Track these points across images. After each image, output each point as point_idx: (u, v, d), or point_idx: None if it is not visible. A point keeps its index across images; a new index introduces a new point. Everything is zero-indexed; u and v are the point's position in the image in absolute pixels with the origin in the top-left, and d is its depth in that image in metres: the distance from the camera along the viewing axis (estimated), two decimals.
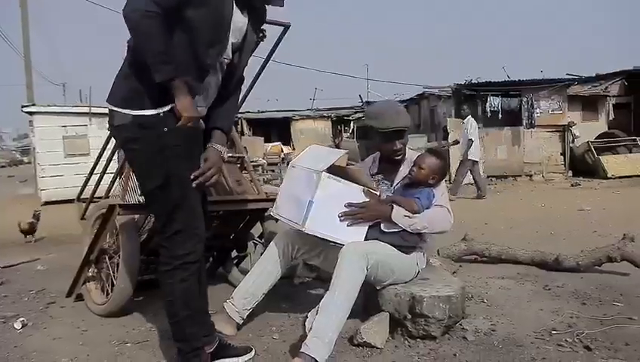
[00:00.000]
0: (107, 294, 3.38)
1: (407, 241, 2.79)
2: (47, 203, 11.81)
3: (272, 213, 2.96)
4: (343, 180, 2.69)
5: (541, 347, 2.63)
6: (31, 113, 13.89)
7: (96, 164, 3.95)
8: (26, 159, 37.88)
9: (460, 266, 4.38)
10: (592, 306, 3.27)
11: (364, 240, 2.71)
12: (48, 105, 14.18)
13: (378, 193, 2.81)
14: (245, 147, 4.12)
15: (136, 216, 3.33)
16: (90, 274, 3.54)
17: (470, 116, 10.54)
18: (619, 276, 3.93)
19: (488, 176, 14.52)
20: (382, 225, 2.75)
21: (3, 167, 38.02)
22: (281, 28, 3.30)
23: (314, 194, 2.58)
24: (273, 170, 16.79)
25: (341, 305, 2.47)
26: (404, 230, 2.75)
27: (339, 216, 2.66)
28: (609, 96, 16.70)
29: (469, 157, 10.16)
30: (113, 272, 3.32)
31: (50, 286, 4.17)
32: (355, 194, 2.71)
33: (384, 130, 2.88)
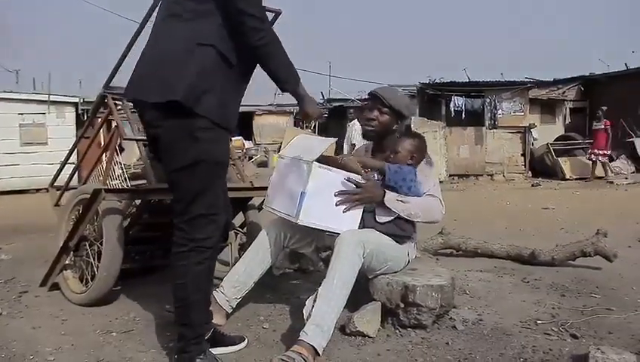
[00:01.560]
0: (87, 283, 3.27)
1: (403, 231, 2.80)
2: (2, 193, 11.38)
3: (264, 207, 2.91)
4: (334, 169, 2.67)
5: (529, 336, 2.68)
6: None
7: (72, 150, 3.83)
8: None
9: (437, 259, 4.43)
10: (571, 298, 3.36)
11: (359, 228, 2.70)
12: (4, 92, 13.67)
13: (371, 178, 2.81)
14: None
15: (120, 202, 3.23)
16: (68, 261, 3.43)
17: (356, 120, 10.72)
18: (592, 270, 4.05)
19: (450, 175, 14.84)
20: (376, 214, 2.75)
21: None
22: (272, 15, 3.30)
23: (306, 186, 2.55)
24: (234, 165, 16.61)
25: (340, 292, 2.46)
26: (398, 218, 2.75)
27: (335, 203, 2.64)
28: (566, 100, 17.25)
29: None
30: (94, 260, 3.22)
31: (19, 275, 4.02)
32: (347, 181, 2.70)
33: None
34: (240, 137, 23.99)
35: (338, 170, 2.69)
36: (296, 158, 2.67)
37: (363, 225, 2.72)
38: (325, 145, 2.71)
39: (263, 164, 18.97)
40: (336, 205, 2.65)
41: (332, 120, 26.60)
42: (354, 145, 10.16)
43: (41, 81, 17.44)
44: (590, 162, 13.60)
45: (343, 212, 2.66)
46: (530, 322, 2.89)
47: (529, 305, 3.20)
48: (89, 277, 3.25)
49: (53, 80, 14.65)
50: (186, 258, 2.19)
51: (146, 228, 3.55)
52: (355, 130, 10.30)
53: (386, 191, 2.74)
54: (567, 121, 17.14)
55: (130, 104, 3.00)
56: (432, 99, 16.29)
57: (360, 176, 2.73)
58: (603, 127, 13.50)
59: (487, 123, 15.41)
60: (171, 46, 2.12)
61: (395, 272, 2.87)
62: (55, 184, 4.17)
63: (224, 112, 2.17)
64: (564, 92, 17.25)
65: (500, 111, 15.40)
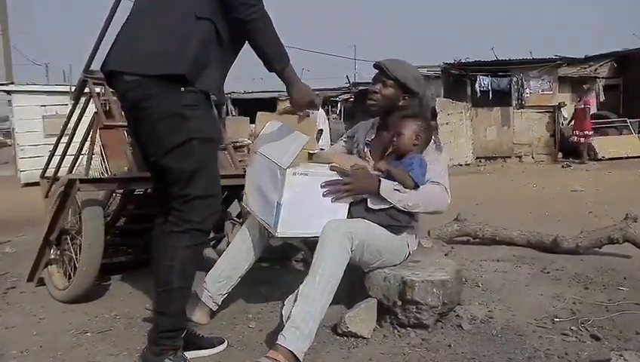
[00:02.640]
0: (70, 278, 3.09)
1: (398, 221, 2.50)
2: (27, 184, 11.41)
3: (243, 204, 2.66)
4: (311, 171, 2.37)
5: (544, 336, 2.39)
6: (9, 92, 13.43)
7: (59, 139, 3.64)
8: (9, 141, 37.11)
9: (452, 248, 4.13)
10: (595, 291, 3.04)
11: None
12: (27, 84, 13.72)
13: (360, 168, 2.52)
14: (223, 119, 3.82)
15: (101, 193, 3.03)
16: (53, 256, 3.25)
17: (320, 108, 10.45)
18: (621, 258, 3.70)
19: (477, 158, 14.37)
20: (368, 202, 2.47)
21: None
22: None
23: (281, 196, 2.31)
24: (225, 150, 16.43)
25: (323, 290, 2.19)
26: (392, 207, 2.47)
27: (323, 194, 2.37)
28: (599, 78, 16.57)
29: (320, 147, 10.07)
30: (76, 254, 3.03)
31: (13, 269, 3.86)
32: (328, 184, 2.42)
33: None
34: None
35: (317, 170, 2.41)
36: (270, 159, 2.42)
37: (351, 216, 2.45)
38: (300, 144, 2.39)
39: None
40: (324, 195, 2.38)
41: (358, 105, 26.29)
42: (321, 130, 9.99)
43: (68, 74, 17.50)
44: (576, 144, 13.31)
45: (331, 202, 2.39)
46: (547, 320, 2.59)
47: (547, 300, 2.90)
48: (72, 273, 3.06)
49: (78, 71, 14.67)
50: (177, 239, 2.05)
51: (136, 219, 3.35)
52: (320, 115, 10.23)
53: (382, 179, 2.46)
54: (601, 98, 16.44)
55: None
56: (457, 79, 15.78)
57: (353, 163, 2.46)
58: (583, 106, 12.91)
59: (514, 103, 14.83)
60: (169, 18, 2.02)
61: (395, 265, 2.60)
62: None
63: (221, 88, 2.15)
64: (596, 69, 16.58)
65: (527, 91, 14.78)
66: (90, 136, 3.10)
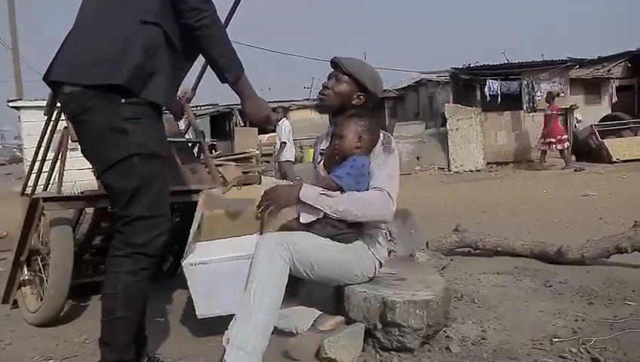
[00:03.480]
0: (41, 300, 2.94)
1: (340, 229, 2.27)
2: None
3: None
4: (213, 258, 2.24)
5: (539, 359, 2.18)
6: (18, 108, 13.48)
7: (35, 155, 3.51)
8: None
9: (451, 260, 3.92)
10: (600, 306, 2.82)
11: None
12: (35, 100, 13.76)
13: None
14: (202, 131, 3.68)
15: (71, 211, 2.89)
16: (27, 277, 3.11)
17: (285, 119, 10.40)
18: (630, 269, 3.46)
19: (488, 163, 14.07)
20: (300, 217, 2.27)
21: (3, 164, 37.76)
22: None
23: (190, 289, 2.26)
24: (268, 161, 16.35)
25: (260, 303, 1.99)
26: (326, 216, 2.24)
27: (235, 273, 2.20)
28: (612, 79, 16.28)
29: (283, 159, 10.15)
30: (47, 276, 2.88)
31: None
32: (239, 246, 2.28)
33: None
34: (275, 133, 23.81)
35: (220, 248, 2.30)
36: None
37: None
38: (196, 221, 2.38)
39: (298, 160, 18.81)
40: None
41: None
42: (284, 143, 9.95)
43: None
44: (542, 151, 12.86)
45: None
46: (545, 340, 2.37)
47: (547, 317, 2.68)
48: (43, 295, 2.91)
49: None
50: (119, 264, 1.90)
51: (111, 237, 3.20)
52: (283, 127, 10.16)
53: (304, 185, 2.27)
54: (614, 100, 16.10)
55: None
56: (467, 84, 15.57)
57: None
58: (550, 112, 12.51)
59: (525, 106, 14.53)
60: (112, 24, 1.87)
61: (370, 279, 2.42)
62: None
63: (170, 97, 2.03)
64: (609, 70, 16.29)
65: (538, 94, 14.47)
66: (61, 152, 2.95)
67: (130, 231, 1.89)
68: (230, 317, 2.08)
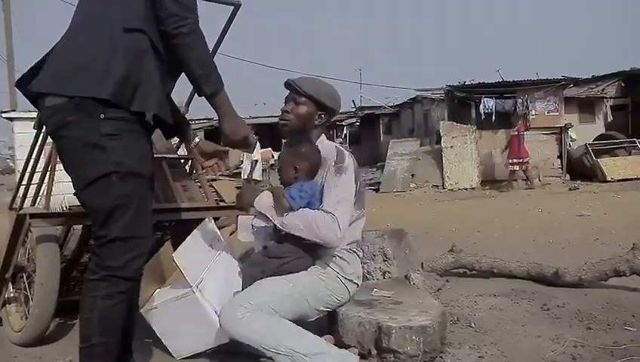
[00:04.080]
0: (26, 319, 2.86)
1: (287, 256, 2.26)
2: None
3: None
4: (161, 301, 2.42)
5: None
6: (11, 119, 13.41)
7: (25, 168, 3.42)
8: None
9: (447, 281, 3.86)
10: (599, 331, 2.75)
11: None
12: (29, 111, 13.69)
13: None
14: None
15: (58, 228, 2.81)
16: (13, 294, 3.03)
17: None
18: (629, 292, 3.40)
19: (482, 181, 14.05)
20: (252, 221, 2.38)
21: None
22: (231, 7, 2.93)
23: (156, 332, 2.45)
24: (260, 180, 16.31)
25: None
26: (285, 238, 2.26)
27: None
28: (606, 98, 16.34)
29: (253, 177, 10.39)
30: (32, 294, 2.80)
31: None
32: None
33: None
34: (269, 148, 23.77)
35: (171, 292, 2.47)
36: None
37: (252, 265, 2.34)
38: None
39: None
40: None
41: (364, 129, 26.14)
42: (256, 161, 9.97)
43: None
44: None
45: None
46: None
47: (545, 343, 2.62)
48: (28, 314, 2.83)
49: None
50: (95, 288, 1.82)
51: None
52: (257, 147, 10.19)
53: (262, 193, 2.29)
54: (609, 119, 16.17)
55: None
56: (461, 102, 15.60)
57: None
58: (517, 133, 12.57)
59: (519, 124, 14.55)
60: (98, 30, 1.81)
61: (349, 300, 2.39)
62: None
63: (163, 105, 1.89)
64: (603, 89, 16.37)
65: (533, 112, 14.51)
66: (49, 165, 2.88)
67: (106, 253, 1.81)
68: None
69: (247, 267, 2.32)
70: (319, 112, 2.41)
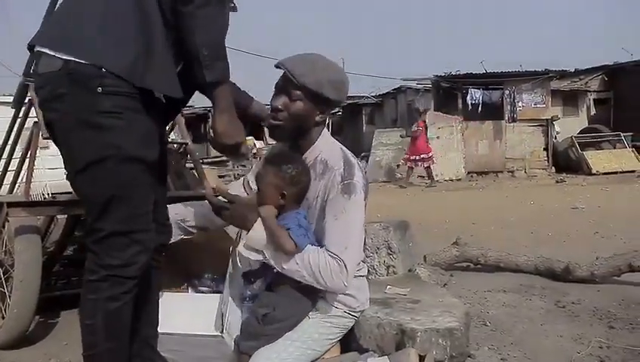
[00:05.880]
0: (3, 319, 2.61)
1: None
2: None
3: None
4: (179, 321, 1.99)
5: None
6: None
7: (1, 151, 3.16)
8: None
9: (452, 275, 3.69)
10: (622, 330, 2.61)
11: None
12: (3, 95, 13.23)
13: None
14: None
15: (39, 218, 2.56)
16: None
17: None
18: None
19: (469, 173, 13.97)
20: (240, 243, 1.86)
21: None
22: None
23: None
24: (244, 165, 16.01)
25: None
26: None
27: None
28: (589, 91, 16.38)
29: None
30: (10, 291, 2.54)
31: None
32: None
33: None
34: (251, 137, 23.43)
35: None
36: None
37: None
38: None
39: None
40: None
41: (346, 120, 25.93)
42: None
43: None
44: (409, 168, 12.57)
45: None
46: None
47: (568, 343, 2.46)
48: (5, 313, 2.58)
49: None
50: (95, 290, 1.58)
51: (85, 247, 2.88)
52: None
53: (256, 225, 1.78)
54: (592, 112, 16.22)
55: None
56: (448, 92, 15.45)
57: None
58: (416, 129, 12.35)
59: (506, 116, 14.46)
60: None
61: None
62: None
63: (175, 84, 1.59)
64: (586, 82, 16.38)
65: (520, 104, 14.43)
66: (29, 151, 2.62)
67: (104, 250, 1.57)
68: None
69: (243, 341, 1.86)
70: (319, 107, 1.85)
